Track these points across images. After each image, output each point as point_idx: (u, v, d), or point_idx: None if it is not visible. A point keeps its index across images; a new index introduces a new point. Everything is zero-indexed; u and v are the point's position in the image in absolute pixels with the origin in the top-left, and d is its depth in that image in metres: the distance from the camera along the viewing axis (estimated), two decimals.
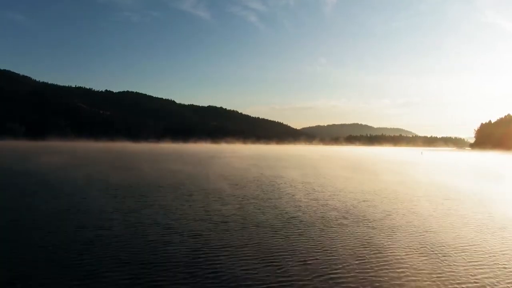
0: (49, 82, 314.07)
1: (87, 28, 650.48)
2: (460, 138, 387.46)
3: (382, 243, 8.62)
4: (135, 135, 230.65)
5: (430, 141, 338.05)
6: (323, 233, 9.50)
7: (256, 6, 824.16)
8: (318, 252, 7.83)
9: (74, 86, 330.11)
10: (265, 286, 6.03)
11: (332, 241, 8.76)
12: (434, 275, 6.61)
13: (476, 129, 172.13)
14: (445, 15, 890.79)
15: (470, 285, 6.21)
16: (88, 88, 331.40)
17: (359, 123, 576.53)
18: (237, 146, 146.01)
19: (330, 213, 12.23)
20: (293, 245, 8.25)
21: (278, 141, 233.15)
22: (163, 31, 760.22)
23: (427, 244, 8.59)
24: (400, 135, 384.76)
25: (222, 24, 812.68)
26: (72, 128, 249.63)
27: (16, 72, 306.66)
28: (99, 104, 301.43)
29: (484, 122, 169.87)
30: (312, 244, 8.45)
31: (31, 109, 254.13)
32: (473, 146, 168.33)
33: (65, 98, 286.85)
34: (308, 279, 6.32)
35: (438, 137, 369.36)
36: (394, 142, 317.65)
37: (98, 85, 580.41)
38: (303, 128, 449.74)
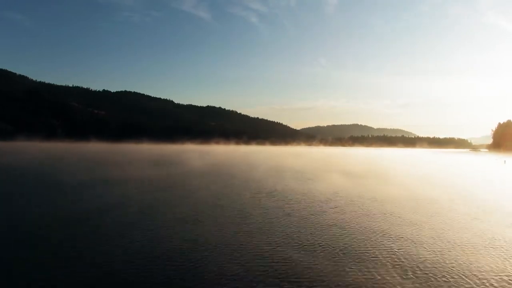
0: (46, 82, 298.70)
1: (87, 28, 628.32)
2: (463, 139, 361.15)
3: None
4: (129, 135, 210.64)
5: (434, 142, 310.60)
6: None
7: (256, 7, 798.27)
8: None
9: (71, 85, 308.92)
10: None
11: None
12: None
13: (494, 129, 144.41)
14: (445, 16, 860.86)
15: None
16: (85, 87, 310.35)
17: (359, 124, 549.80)
18: (223, 147, 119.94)
19: None
20: None
21: (273, 141, 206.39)
22: (163, 31, 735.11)
23: None
24: (402, 135, 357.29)
25: (222, 24, 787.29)
26: (64, 128, 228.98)
27: (13, 71, 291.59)
28: (97, 104, 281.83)
29: (502, 122, 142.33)
30: None
31: (23, 108, 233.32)
32: (491, 147, 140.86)
33: (60, 97, 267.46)
34: None
35: (440, 137, 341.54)
36: (407, 143, 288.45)
37: (97, 85, 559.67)
38: (302, 129, 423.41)
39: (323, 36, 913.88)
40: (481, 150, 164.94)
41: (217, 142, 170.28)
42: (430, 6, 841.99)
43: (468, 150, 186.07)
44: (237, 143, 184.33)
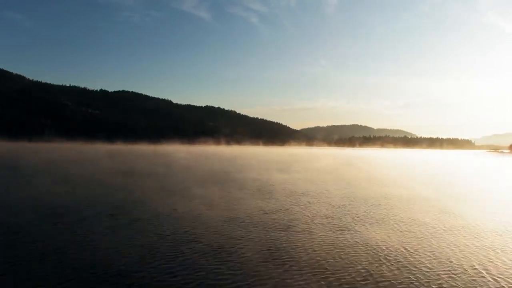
0: (43, 81, 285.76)
1: (87, 28, 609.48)
2: (467, 140, 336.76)
3: None
4: (123, 135, 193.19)
5: (439, 143, 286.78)
6: None
7: (257, 7, 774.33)
8: None
9: (68, 85, 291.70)
10: None
11: None
12: None
13: None
14: (445, 16, 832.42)
15: None
16: (82, 87, 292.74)
17: (359, 124, 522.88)
18: (201, 148, 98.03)
19: None
20: None
21: (266, 142, 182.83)
22: (163, 31, 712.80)
23: None
24: (405, 136, 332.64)
25: (222, 24, 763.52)
26: (54, 128, 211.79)
27: (10, 70, 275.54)
28: (93, 104, 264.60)
29: None
30: None
31: (13, 107, 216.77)
32: None
33: (53, 97, 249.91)
34: None
35: (443, 138, 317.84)
36: (412, 144, 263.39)
37: (96, 85, 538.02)
38: (302, 129, 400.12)
39: (323, 36, 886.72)
40: (503, 151, 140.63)
41: (205, 142, 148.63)
42: (430, 6, 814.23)
43: (485, 151, 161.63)
44: (229, 143, 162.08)
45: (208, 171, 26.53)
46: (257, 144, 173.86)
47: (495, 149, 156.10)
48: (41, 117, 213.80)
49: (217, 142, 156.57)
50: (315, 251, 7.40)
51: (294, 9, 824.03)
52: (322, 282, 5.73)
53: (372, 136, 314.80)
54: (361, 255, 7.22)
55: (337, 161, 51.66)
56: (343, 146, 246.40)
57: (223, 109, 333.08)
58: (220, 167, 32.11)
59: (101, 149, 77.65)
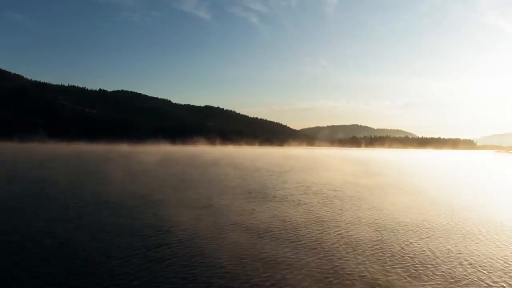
0: (41, 81, 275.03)
1: (87, 28, 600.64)
2: (469, 140, 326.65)
3: None
4: (120, 135, 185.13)
5: (441, 143, 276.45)
6: None
7: (257, 7, 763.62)
8: None
9: (67, 84, 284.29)
10: None
11: None
12: None
13: None
14: (445, 16, 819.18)
15: None
16: (81, 87, 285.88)
17: (359, 124, 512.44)
18: (191, 149, 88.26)
19: None
20: None
21: (266, 142, 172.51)
22: (163, 31, 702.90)
23: None
24: (406, 136, 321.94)
25: (222, 24, 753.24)
26: (51, 128, 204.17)
27: (9, 70, 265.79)
28: (91, 103, 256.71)
29: None
30: None
31: (9, 107, 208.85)
32: None
33: (49, 96, 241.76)
34: None
35: (445, 138, 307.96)
36: (419, 144, 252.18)
37: (96, 85, 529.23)
38: (302, 129, 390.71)
39: (323, 36, 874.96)
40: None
41: (199, 142, 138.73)
42: (430, 6, 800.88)
43: (493, 151, 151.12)
44: (225, 143, 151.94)
45: (119, 195, 16.32)
46: (253, 144, 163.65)
47: (504, 149, 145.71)
48: (37, 117, 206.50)
49: (213, 142, 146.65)
50: None
51: (294, 9, 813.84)
52: None
53: (373, 136, 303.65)
54: None
55: (349, 167, 39.07)
56: (345, 146, 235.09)
57: (223, 109, 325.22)
58: (163, 181, 22.03)
59: (61, 149, 67.92)
